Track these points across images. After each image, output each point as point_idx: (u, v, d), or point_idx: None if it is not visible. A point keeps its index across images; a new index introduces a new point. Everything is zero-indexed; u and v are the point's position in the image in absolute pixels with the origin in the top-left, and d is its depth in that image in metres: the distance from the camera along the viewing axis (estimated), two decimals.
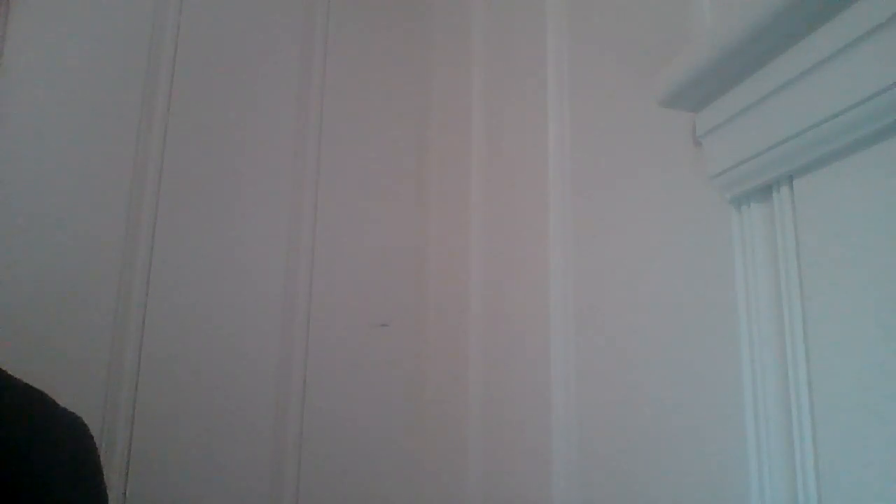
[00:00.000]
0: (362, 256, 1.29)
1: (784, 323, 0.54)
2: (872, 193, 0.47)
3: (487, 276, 1.08)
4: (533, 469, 0.88)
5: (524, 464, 0.91)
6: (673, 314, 0.66)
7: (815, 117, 0.48)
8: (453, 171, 1.25)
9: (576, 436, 0.80)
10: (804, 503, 0.50)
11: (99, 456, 0.65)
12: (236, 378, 1.19)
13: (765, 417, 0.54)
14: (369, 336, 1.27)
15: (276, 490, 1.17)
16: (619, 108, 0.78)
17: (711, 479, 0.59)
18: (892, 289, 0.45)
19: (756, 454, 0.54)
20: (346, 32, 1.37)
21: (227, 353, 1.19)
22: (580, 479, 0.78)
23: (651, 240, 0.70)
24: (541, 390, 0.87)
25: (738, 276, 0.58)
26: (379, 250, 1.30)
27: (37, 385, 0.64)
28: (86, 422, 0.65)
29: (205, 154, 1.25)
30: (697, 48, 0.56)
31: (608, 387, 0.75)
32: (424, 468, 1.23)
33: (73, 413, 0.64)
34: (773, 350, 0.54)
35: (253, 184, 1.26)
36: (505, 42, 1.11)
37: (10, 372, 0.64)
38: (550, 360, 0.86)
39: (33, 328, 1.11)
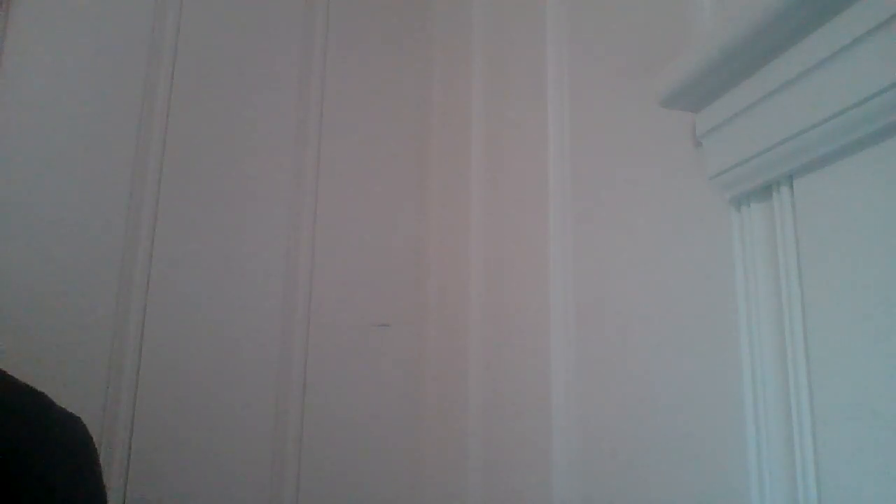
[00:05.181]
0: (362, 256, 1.29)
1: (784, 323, 0.54)
2: (872, 193, 0.47)
3: (487, 276, 1.08)
4: (533, 469, 0.88)
5: (524, 464, 0.91)
6: (673, 314, 0.66)
7: (815, 117, 0.48)
8: (453, 171, 1.25)
9: (576, 435, 0.80)
10: (804, 503, 0.50)
11: (98, 456, 0.65)
12: (236, 378, 1.19)
13: (765, 418, 0.54)
14: (369, 336, 1.27)
15: (276, 490, 1.17)
16: (619, 108, 0.78)
17: (711, 479, 0.59)
18: (893, 289, 0.45)
19: (756, 454, 0.54)
20: (346, 32, 1.37)
21: (227, 353, 1.19)
22: (580, 479, 0.78)
23: (651, 240, 0.70)
24: (541, 390, 0.87)
25: (738, 276, 0.58)
26: (379, 250, 1.30)
27: (37, 385, 0.64)
28: (86, 422, 0.65)
29: (205, 154, 1.25)
30: (697, 48, 0.56)
31: (608, 387, 0.75)
32: (424, 468, 1.23)
33: (73, 413, 0.64)
34: (773, 350, 0.54)
35: (253, 184, 1.26)
36: (505, 42, 1.11)
37: (10, 372, 0.64)
38: (550, 360, 0.86)
39: (33, 328, 1.11)
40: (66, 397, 0.66)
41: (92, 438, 0.65)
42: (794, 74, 0.50)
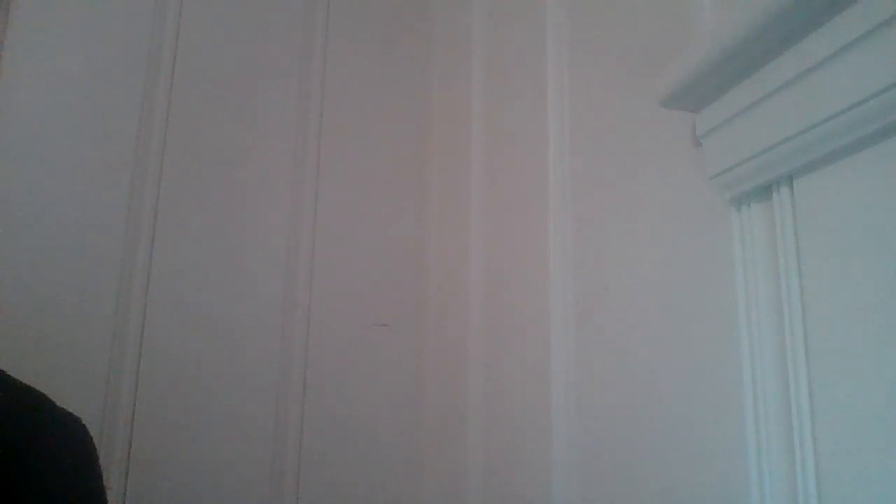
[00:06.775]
0: (362, 256, 1.29)
1: (784, 323, 0.54)
2: (872, 193, 0.47)
3: (487, 276, 1.08)
4: (533, 469, 0.88)
5: (524, 464, 0.91)
6: (673, 314, 0.66)
7: (815, 117, 0.48)
8: (453, 171, 1.25)
9: (576, 436, 0.80)
10: (804, 503, 0.50)
11: (98, 456, 0.66)
12: (236, 378, 1.18)
13: (765, 417, 0.54)
14: (369, 336, 1.27)
15: (276, 490, 1.17)
16: (619, 108, 0.78)
17: (711, 479, 0.59)
18: (893, 289, 0.45)
19: (756, 454, 0.54)
20: (346, 32, 1.37)
21: (227, 353, 1.19)
22: (580, 479, 0.78)
23: (651, 240, 0.70)
24: (541, 390, 0.87)
25: (738, 276, 0.58)
26: (379, 250, 1.30)
27: (37, 385, 0.64)
28: (86, 422, 0.65)
29: (205, 154, 1.24)
30: (697, 48, 0.56)
31: (608, 387, 0.75)
32: (424, 468, 1.23)
33: (73, 413, 0.64)
34: (773, 350, 0.54)
35: (253, 184, 1.26)
36: (505, 42, 1.11)
37: (10, 372, 0.64)
38: (550, 360, 0.86)
39: (33, 328, 1.10)
40: (66, 397, 0.66)
41: (92, 438, 0.65)
42: (794, 74, 0.50)
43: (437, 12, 1.41)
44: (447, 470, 1.15)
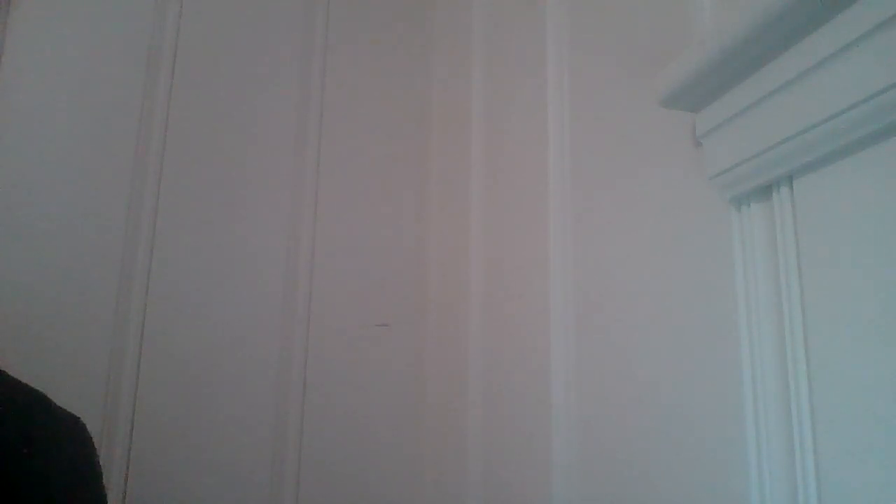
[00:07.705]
0: (362, 256, 1.29)
1: (784, 323, 0.54)
2: (872, 193, 0.47)
3: (487, 276, 1.08)
4: (533, 469, 0.88)
5: (524, 464, 0.91)
6: (673, 314, 0.66)
7: (815, 117, 0.48)
8: (453, 171, 1.25)
9: (576, 436, 0.80)
10: (804, 503, 0.50)
11: (98, 457, 0.66)
12: (236, 378, 1.18)
13: (765, 418, 0.54)
14: (369, 336, 1.27)
15: (275, 490, 1.17)
16: (619, 108, 0.78)
17: (711, 479, 0.59)
18: (893, 289, 0.45)
19: (756, 455, 0.54)
20: (346, 32, 1.37)
21: (227, 353, 1.19)
22: (580, 479, 0.78)
23: (651, 240, 0.70)
24: (541, 390, 0.87)
25: (737, 276, 0.58)
26: (379, 250, 1.30)
27: (37, 385, 0.64)
28: (86, 422, 0.65)
29: (205, 154, 1.24)
30: (697, 48, 0.56)
31: (608, 387, 0.75)
32: (424, 468, 1.23)
33: (73, 414, 0.64)
34: (773, 350, 0.54)
35: (253, 184, 1.26)
36: (505, 42, 1.11)
37: (10, 372, 0.64)
38: (550, 360, 0.86)
39: (33, 328, 1.11)
40: (66, 397, 0.66)
41: (92, 438, 0.65)
42: (794, 74, 0.50)
43: (437, 12, 1.41)
44: (447, 470, 1.15)
